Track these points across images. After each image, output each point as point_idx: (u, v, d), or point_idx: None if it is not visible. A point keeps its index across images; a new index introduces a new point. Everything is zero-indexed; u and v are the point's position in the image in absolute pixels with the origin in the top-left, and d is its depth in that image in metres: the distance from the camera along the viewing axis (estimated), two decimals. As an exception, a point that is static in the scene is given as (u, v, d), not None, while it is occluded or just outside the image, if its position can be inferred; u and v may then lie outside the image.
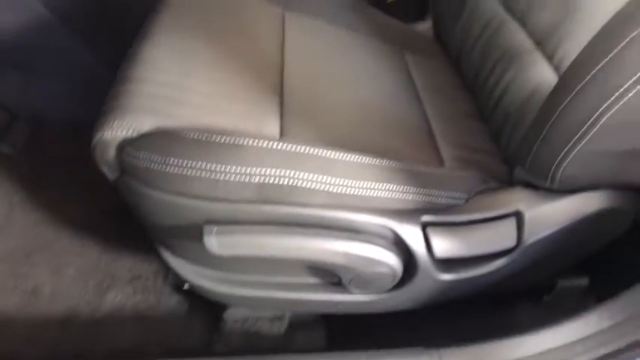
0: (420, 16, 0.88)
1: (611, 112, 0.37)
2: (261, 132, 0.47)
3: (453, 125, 0.62)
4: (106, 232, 0.74)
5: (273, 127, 0.49)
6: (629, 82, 0.36)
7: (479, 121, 0.65)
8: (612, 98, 0.37)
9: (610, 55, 0.37)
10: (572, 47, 0.51)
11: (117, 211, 0.72)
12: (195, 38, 0.56)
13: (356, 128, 0.54)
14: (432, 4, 0.80)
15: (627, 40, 0.36)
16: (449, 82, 0.72)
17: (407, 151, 0.54)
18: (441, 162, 0.56)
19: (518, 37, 0.59)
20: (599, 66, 0.38)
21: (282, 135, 0.48)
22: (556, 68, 0.52)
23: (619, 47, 0.36)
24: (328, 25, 0.72)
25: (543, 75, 0.53)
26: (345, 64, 0.66)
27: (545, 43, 0.55)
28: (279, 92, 0.54)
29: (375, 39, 0.75)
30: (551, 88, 0.51)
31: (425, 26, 0.86)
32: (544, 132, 0.43)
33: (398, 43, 0.77)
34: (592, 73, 0.38)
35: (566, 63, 0.50)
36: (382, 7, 0.82)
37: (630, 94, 0.36)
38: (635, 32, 0.35)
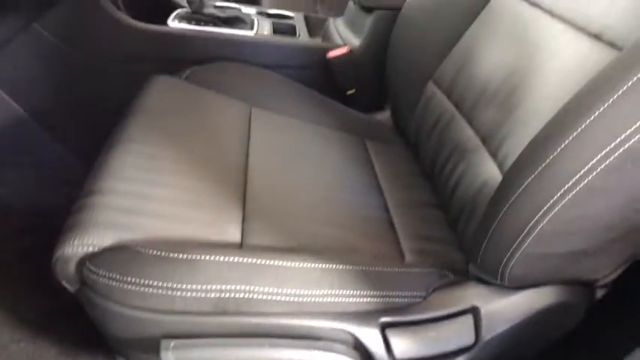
0: (379, 107, 0.94)
1: (549, 216, 0.40)
2: (223, 239, 0.49)
3: (413, 215, 0.65)
4: (63, 334, 0.71)
5: (234, 232, 0.50)
6: (560, 192, 0.39)
7: (437, 208, 0.68)
8: (546, 206, 0.40)
9: (543, 165, 0.41)
10: (514, 146, 0.55)
11: (76, 312, 0.70)
12: (162, 143, 0.59)
13: (318, 227, 0.56)
14: (390, 95, 0.86)
15: (560, 149, 0.40)
16: (408, 169, 0.76)
17: (368, 246, 0.56)
18: (401, 255, 0.57)
19: (466, 133, 0.64)
20: (537, 171, 0.41)
21: (243, 241, 0.50)
22: (500, 166, 0.56)
23: (550, 158, 0.40)
24: (293, 120, 0.77)
25: (489, 172, 0.57)
26: (308, 159, 0.69)
27: (489, 141, 0.59)
28: (242, 195, 0.56)
29: (338, 130, 0.80)
30: (496, 186, 0.55)
31: (384, 115, 0.92)
32: (489, 233, 0.46)
33: (359, 132, 0.81)
34: (530, 179, 0.42)
35: (509, 161, 0.54)
36: (343, 99, 0.88)
37: (560, 205, 0.39)
38: (570, 139, 0.39)
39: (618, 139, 0.35)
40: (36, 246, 0.82)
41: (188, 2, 0.78)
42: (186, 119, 0.65)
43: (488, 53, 0.64)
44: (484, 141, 0.60)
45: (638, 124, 0.35)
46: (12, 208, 0.90)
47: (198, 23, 0.80)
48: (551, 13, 0.56)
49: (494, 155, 0.58)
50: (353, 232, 0.58)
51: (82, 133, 0.83)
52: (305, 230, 0.55)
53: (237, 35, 0.81)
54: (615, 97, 0.36)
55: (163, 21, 0.80)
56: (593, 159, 0.36)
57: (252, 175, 0.60)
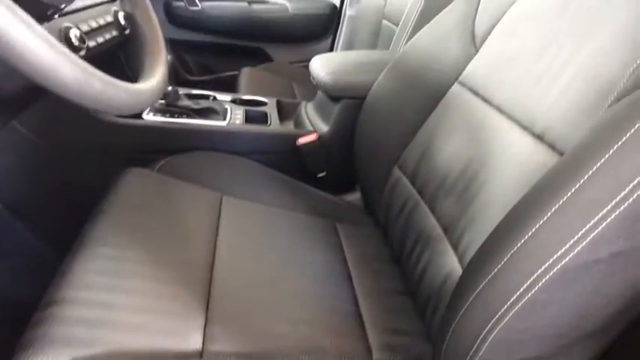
0: (349, 188, 0.97)
1: (501, 325, 0.41)
2: (183, 349, 0.48)
3: (382, 306, 0.65)
4: None
5: (196, 339, 0.50)
6: (507, 304, 0.40)
7: (406, 296, 0.68)
8: (497, 315, 0.41)
9: (492, 274, 0.42)
10: (472, 240, 0.56)
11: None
12: (129, 244, 0.59)
13: (284, 327, 0.56)
14: (359, 178, 0.89)
15: (505, 259, 0.41)
16: (378, 253, 0.77)
17: (335, 344, 0.56)
18: (369, 352, 0.57)
19: (429, 221, 0.66)
20: (487, 280, 0.43)
21: (205, 348, 0.49)
22: (460, 259, 0.57)
23: (496, 269, 0.42)
24: (264, 207, 0.78)
25: (451, 264, 0.58)
26: (277, 249, 0.70)
27: (450, 232, 0.61)
28: (207, 296, 0.56)
29: (309, 215, 0.81)
30: (457, 281, 0.56)
31: (355, 196, 0.94)
32: (447, 337, 0.47)
33: (330, 215, 0.83)
34: (481, 287, 0.43)
35: (468, 255, 0.55)
36: (314, 181, 0.91)
37: (509, 316, 0.40)
38: (514, 249, 0.41)
39: (558, 253, 0.37)
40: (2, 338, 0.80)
41: (164, 95, 0.82)
42: (155, 215, 0.67)
43: (447, 143, 0.68)
44: (446, 231, 0.62)
45: (575, 237, 0.37)
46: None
47: (172, 115, 0.84)
48: (499, 110, 0.61)
49: (455, 247, 0.59)
50: (320, 328, 0.58)
51: (57, 223, 0.84)
52: (270, 331, 0.55)
53: (210, 125, 0.85)
54: (553, 210, 0.38)
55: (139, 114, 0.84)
56: (535, 272, 0.38)
57: (218, 273, 0.61)
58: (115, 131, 0.80)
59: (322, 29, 1.73)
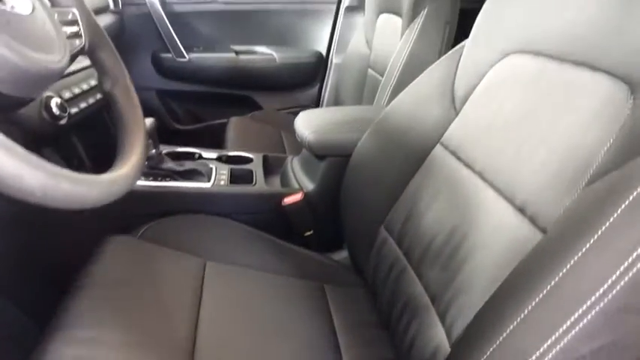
0: (337, 245, 0.96)
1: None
2: None
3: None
4: None
5: None
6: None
7: (395, 365, 0.66)
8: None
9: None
10: (458, 314, 0.55)
11: None
12: (108, 324, 0.57)
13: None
14: (346, 236, 0.88)
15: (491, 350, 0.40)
16: (366, 319, 0.75)
17: None
18: None
19: (417, 288, 0.65)
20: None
21: None
22: (447, 333, 0.56)
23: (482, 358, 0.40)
24: (249, 271, 0.77)
25: (439, 338, 0.56)
26: (263, 320, 0.68)
27: (437, 302, 0.60)
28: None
29: (296, 278, 0.79)
30: (445, 355, 0.54)
31: (342, 255, 0.93)
32: None
33: (318, 277, 0.81)
34: None
35: (455, 330, 0.54)
36: (301, 240, 0.89)
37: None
38: (499, 340, 0.39)
39: (536, 354, 0.35)
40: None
41: (148, 157, 0.82)
42: (135, 289, 0.64)
43: (431, 206, 0.67)
44: (433, 301, 0.61)
45: (556, 334, 0.35)
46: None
47: (155, 178, 0.83)
48: (482, 176, 0.60)
49: (442, 319, 0.58)
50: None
51: (40, 294, 0.81)
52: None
53: (194, 188, 0.84)
54: (534, 304, 0.37)
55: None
56: None
57: (200, 353, 0.58)
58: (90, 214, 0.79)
59: (309, 77, 1.77)
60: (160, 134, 1.66)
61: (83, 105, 0.78)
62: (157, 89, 1.60)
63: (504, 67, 0.63)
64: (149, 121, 0.81)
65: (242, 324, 0.65)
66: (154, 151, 0.81)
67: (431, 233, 0.65)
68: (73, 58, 0.49)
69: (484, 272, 0.52)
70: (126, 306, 0.61)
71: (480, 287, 0.52)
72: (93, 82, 0.84)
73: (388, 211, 0.77)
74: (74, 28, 0.49)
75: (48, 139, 0.72)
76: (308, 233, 0.90)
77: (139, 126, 0.52)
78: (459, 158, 0.66)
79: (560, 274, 0.37)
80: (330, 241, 0.95)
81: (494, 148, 0.59)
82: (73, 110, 0.75)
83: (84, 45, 0.51)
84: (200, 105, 1.70)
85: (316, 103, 1.79)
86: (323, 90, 1.75)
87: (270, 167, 1.03)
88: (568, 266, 0.36)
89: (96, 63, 0.54)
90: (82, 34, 0.50)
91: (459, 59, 0.72)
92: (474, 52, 0.69)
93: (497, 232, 0.53)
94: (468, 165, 0.63)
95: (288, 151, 1.38)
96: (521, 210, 0.51)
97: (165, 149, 0.98)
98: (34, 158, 0.32)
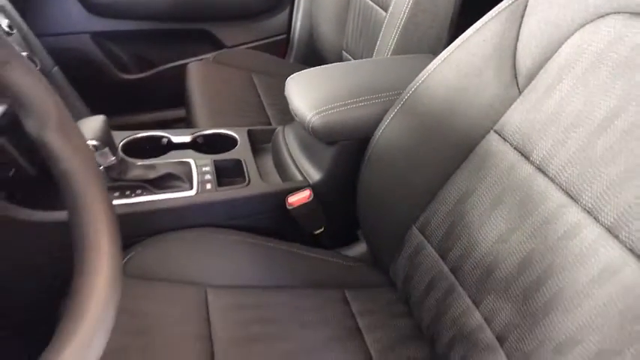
0: (353, 238, 0.83)
1: None
2: None
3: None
4: None
5: None
6: None
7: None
8: None
9: None
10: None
11: None
12: None
13: None
14: (365, 232, 0.75)
15: None
16: (403, 329, 0.65)
17: None
18: None
19: (474, 320, 0.54)
20: None
21: None
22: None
23: None
24: (258, 292, 0.64)
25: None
26: (285, 349, 0.57)
27: (509, 346, 0.49)
28: None
29: (314, 288, 0.67)
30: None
31: (360, 249, 0.80)
32: None
33: (338, 282, 0.70)
34: None
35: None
36: (310, 240, 0.76)
37: None
38: None
39: None
40: None
41: (105, 169, 0.61)
42: (132, 357, 0.51)
43: (490, 217, 0.53)
44: (501, 341, 0.50)
45: None
46: None
47: (123, 194, 0.63)
48: (569, 194, 0.45)
49: (508, 357, 0.48)
50: None
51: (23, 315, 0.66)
52: None
53: (176, 199, 0.65)
54: None
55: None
56: None
57: None
58: (43, 230, 0.60)
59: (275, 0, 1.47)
60: (106, 89, 1.37)
61: (2, 107, 0.56)
62: (91, 32, 1.27)
63: (601, 31, 0.46)
64: (98, 120, 0.59)
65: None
66: (113, 158, 0.60)
67: (492, 253, 0.53)
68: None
69: (590, 333, 0.41)
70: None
71: (585, 352, 0.41)
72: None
73: (422, 211, 0.63)
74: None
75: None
76: (319, 231, 0.76)
77: (97, 199, 0.33)
78: (526, 157, 0.51)
79: None
80: (344, 235, 0.81)
81: (589, 157, 0.44)
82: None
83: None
84: (148, 47, 1.39)
85: (287, 33, 1.52)
86: (294, 15, 1.47)
87: (258, 142, 0.85)
88: None
89: (5, 93, 0.32)
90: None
91: (523, 15, 0.53)
92: (546, 7, 0.50)
93: (606, 280, 0.41)
94: (542, 171, 0.49)
95: (265, 102, 1.17)
96: (629, 247, 0.39)
97: (123, 137, 0.76)
98: None
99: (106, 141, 0.58)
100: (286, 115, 1.07)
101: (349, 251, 0.80)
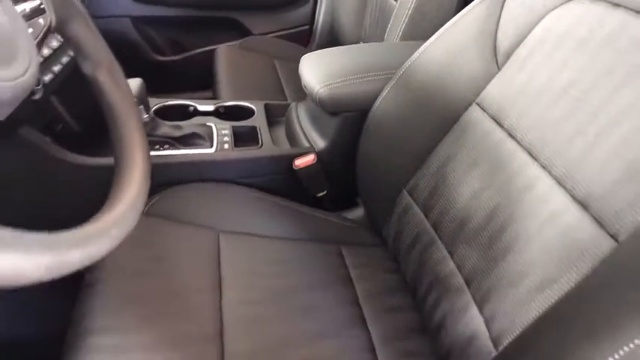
0: (352, 203, 0.91)
1: None
2: None
3: (400, 350, 0.62)
4: None
5: None
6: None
7: (421, 336, 0.65)
8: None
9: None
10: (500, 308, 0.51)
11: None
12: (128, 326, 0.53)
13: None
14: (362, 196, 0.83)
15: None
16: (389, 284, 0.73)
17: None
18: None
19: (448, 267, 0.61)
20: None
21: None
22: (487, 324, 0.53)
23: None
24: (265, 240, 0.73)
25: (476, 326, 0.54)
26: (287, 294, 0.65)
27: (474, 288, 0.56)
28: None
29: (312, 242, 0.76)
30: (485, 347, 0.52)
31: (358, 212, 0.89)
32: None
33: (335, 239, 0.78)
34: None
35: (496, 326, 0.51)
36: (312, 201, 0.84)
37: None
38: None
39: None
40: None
41: (140, 124, 0.72)
42: (154, 276, 0.60)
43: (466, 177, 0.61)
44: (468, 283, 0.58)
45: None
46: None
47: (152, 148, 0.74)
48: (530, 153, 0.53)
49: (479, 307, 0.55)
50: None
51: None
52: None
53: (197, 154, 0.75)
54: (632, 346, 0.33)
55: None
56: None
57: (229, 344, 0.56)
58: (92, 174, 0.71)
59: (301, -7, 1.57)
60: (142, 68, 1.50)
61: (57, 68, 0.67)
62: (132, 16, 1.40)
63: (566, 14, 0.53)
64: (137, 82, 0.70)
65: (266, 302, 0.63)
66: (146, 116, 0.70)
67: (466, 208, 0.60)
68: (40, 45, 0.38)
69: (534, 267, 0.48)
70: (144, 301, 0.57)
71: (530, 284, 0.48)
72: (54, 44, 0.70)
73: (412, 176, 0.71)
74: (34, 2, 0.37)
75: (24, 117, 0.62)
76: (321, 194, 0.85)
77: (134, 121, 0.43)
78: (500, 125, 0.58)
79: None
80: (345, 200, 0.90)
81: (548, 120, 0.51)
82: (47, 77, 0.63)
83: (50, 22, 0.39)
84: (182, 32, 1.51)
85: (310, 24, 1.61)
86: (317, 9, 1.56)
87: (273, 116, 0.94)
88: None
89: (70, 41, 0.42)
90: (46, 8, 0.38)
91: (504, 1, 0.60)
92: (523, -7, 0.58)
93: (550, 224, 0.48)
94: (512, 135, 0.56)
95: (284, 85, 1.26)
96: (583, 204, 0.45)
97: (155, 103, 0.87)
98: (35, 240, 0.25)
99: (141, 99, 0.69)
100: (302, 95, 1.16)
101: (348, 214, 0.88)
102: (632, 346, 0.31)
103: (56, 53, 0.65)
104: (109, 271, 0.59)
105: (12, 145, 0.64)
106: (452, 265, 0.61)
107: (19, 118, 0.60)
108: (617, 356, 0.32)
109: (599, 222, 0.43)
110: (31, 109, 0.61)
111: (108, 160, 0.71)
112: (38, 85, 0.59)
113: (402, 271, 0.74)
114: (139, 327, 0.54)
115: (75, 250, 0.27)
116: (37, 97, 0.58)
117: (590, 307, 0.38)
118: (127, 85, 0.45)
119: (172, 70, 1.51)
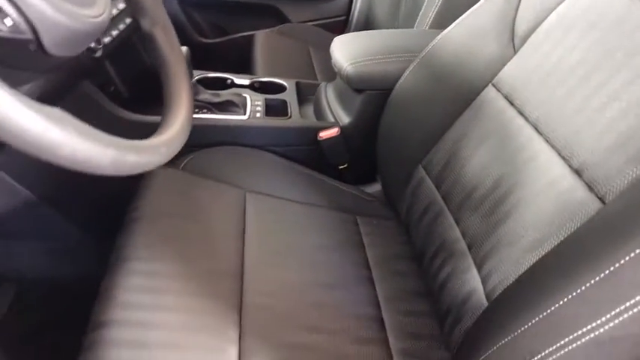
0: (370, 179, 0.96)
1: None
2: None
3: (403, 309, 0.68)
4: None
5: (231, 355, 0.53)
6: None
7: (425, 298, 0.71)
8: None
9: (525, 326, 0.43)
10: (497, 267, 0.56)
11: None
12: (161, 257, 0.61)
13: (311, 337, 0.59)
14: (380, 172, 0.88)
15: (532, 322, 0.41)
16: (399, 252, 0.78)
17: (358, 352, 0.59)
18: (390, 357, 0.60)
19: (453, 233, 0.66)
20: (523, 328, 0.43)
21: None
22: (483, 282, 0.58)
23: (531, 322, 0.42)
24: (286, 202, 0.79)
25: (474, 284, 0.59)
26: (302, 251, 0.72)
27: (475, 250, 0.61)
28: (239, 308, 0.59)
29: (331, 209, 0.82)
30: (480, 302, 0.57)
31: (376, 188, 0.94)
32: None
33: (352, 209, 0.84)
34: (514, 335, 0.44)
35: (492, 281, 0.56)
36: (334, 173, 0.90)
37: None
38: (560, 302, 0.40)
39: (587, 327, 0.37)
40: (51, 320, 0.86)
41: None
42: (184, 221, 0.68)
43: (477, 151, 0.66)
44: (470, 247, 0.63)
45: (612, 312, 0.36)
46: (25, 280, 0.93)
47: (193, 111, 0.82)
48: (536, 128, 0.57)
49: (478, 267, 0.60)
50: (344, 336, 0.61)
51: (90, 212, 0.86)
52: (299, 342, 0.58)
53: (231, 120, 0.83)
54: (591, 283, 0.37)
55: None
56: (561, 340, 0.38)
57: (248, 282, 0.63)
58: (136, 130, 0.80)
59: (339, -16, 1.62)
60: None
61: (115, 32, 0.75)
62: (178, -1, 1.50)
63: (578, 1, 0.57)
64: (184, 48, 0.77)
65: (284, 258, 0.69)
66: (189, 81, 0.78)
67: (474, 179, 0.65)
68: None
69: (529, 229, 0.53)
70: (177, 238, 0.65)
71: (524, 244, 0.53)
72: (121, 5, 0.79)
73: (428, 152, 0.76)
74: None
75: (85, 72, 0.71)
76: (342, 167, 0.91)
77: (183, 71, 0.50)
78: (512, 103, 0.62)
79: (622, 261, 0.36)
80: (364, 174, 0.95)
81: (554, 98, 0.56)
82: (107, 39, 0.72)
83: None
84: (224, 15, 1.60)
85: (346, 15, 1.67)
86: (354, 0, 1.62)
87: (303, 94, 1.01)
88: (632, 254, 0.35)
89: (131, 1, 0.50)
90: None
91: (524, -11, 0.64)
92: (543, -18, 0.62)
93: (547, 191, 0.52)
94: (521, 113, 0.60)
95: (317, 69, 1.33)
96: (578, 172, 0.50)
97: (197, 75, 0.95)
98: (104, 137, 0.32)
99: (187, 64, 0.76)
100: (332, 78, 1.22)
101: (366, 189, 0.94)
102: (602, 275, 0.36)
103: (116, 18, 0.74)
104: (149, 212, 0.67)
105: (74, 98, 0.74)
106: (457, 232, 0.66)
107: (83, 72, 0.69)
108: (588, 285, 0.37)
109: (590, 186, 0.47)
110: (92, 66, 0.69)
111: (156, 119, 0.80)
112: (100, 45, 0.67)
113: (412, 242, 0.79)
114: (172, 258, 0.61)
115: (133, 154, 0.35)
116: (97, 54, 0.67)
117: (570, 252, 0.42)
118: (179, 43, 0.53)
119: (213, 52, 1.60)
